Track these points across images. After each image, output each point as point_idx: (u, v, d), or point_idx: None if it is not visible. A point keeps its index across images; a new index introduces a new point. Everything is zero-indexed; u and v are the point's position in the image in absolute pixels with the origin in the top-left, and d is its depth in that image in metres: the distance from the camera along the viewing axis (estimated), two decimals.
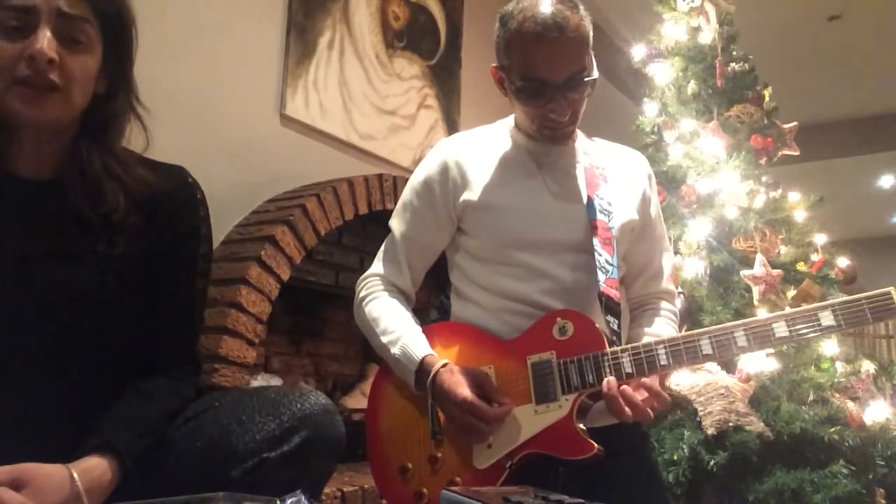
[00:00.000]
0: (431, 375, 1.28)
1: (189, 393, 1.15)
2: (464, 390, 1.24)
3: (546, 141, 1.39)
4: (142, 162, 1.13)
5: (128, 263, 1.09)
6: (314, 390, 1.14)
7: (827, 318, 1.15)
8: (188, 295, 1.18)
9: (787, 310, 1.21)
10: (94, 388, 1.06)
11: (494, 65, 1.37)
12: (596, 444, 1.21)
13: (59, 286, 1.04)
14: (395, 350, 1.33)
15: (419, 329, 1.38)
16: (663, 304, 1.49)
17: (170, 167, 1.18)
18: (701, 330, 1.23)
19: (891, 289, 1.11)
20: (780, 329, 1.17)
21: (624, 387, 1.21)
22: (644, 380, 1.23)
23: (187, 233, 1.16)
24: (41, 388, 1.04)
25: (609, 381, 1.22)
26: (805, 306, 1.20)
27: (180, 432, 1.08)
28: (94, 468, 0.96)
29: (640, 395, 1.21)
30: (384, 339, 1.36)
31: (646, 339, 1.27)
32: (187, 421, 1.10)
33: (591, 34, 1.30)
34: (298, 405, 1.07)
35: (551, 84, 1.27)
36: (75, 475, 0.93)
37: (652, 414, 1.21)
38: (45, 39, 0.98)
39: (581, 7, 1.30)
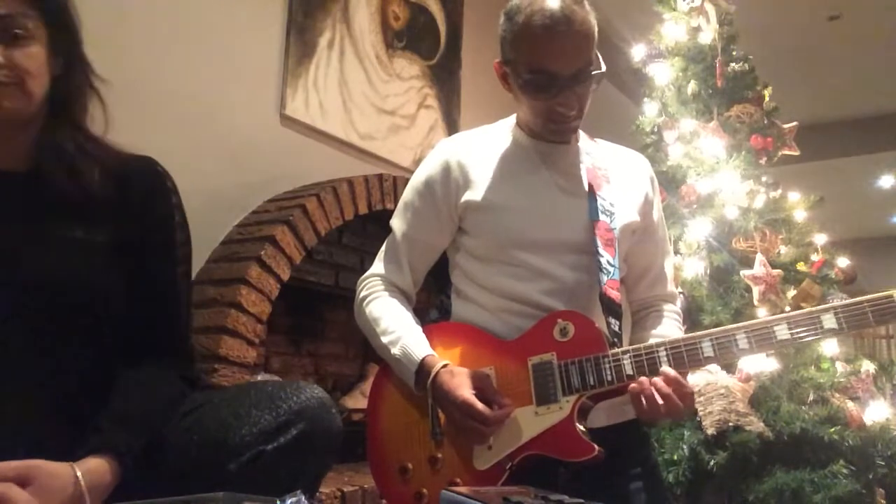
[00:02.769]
0: (432, 376, 1.28)
1: (181, 385, 1.15)
2: (464, 392, 1.23)
3: (551, 137, 1.39)
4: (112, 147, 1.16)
5: (108, 249, 1.10)
6: (311, 384, 1.14)
7: (829, 321, 1.14)
8: (170, 281, 1.18)
9: (788, 311, 1.21)
10: (86, 378, 1.07)
11: (498, 60, 1.37)
12: (596, 446, 1.21)
13: (42, 275, 1.05)
14: (395, 350, 1.33)
15: (420, 329, 1.38)
16: (667, 306, 1.49)
17: (138, 157, 1.19)
18: (702, 332, 1.23)
19: (893, 291, 1.11)
20: (782, 332, 1.17)
21: (655, 379, 1.20)
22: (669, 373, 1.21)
23: (162, 217, 1.18)
24: (32, 378, 1.04)
25: (642, 380, 1.20)
26: (807, 308, 1.19)
27: (178, 427, 1.09)
28: (96, 469, 0.97)
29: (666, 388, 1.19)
30: (384, 340, 1.36)
31: (650, 341, 1.27)
32: (185, 416, 1.10)
33: (597, 30, 1.30)
34: (295, 398, 1.08)
35: (559, 77, 1.27)
36: (79, 475, 0.94)
37: (682, 407, 1.19)
38: None
39: (586, 3, 1.30)
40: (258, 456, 1.03)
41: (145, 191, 1.16)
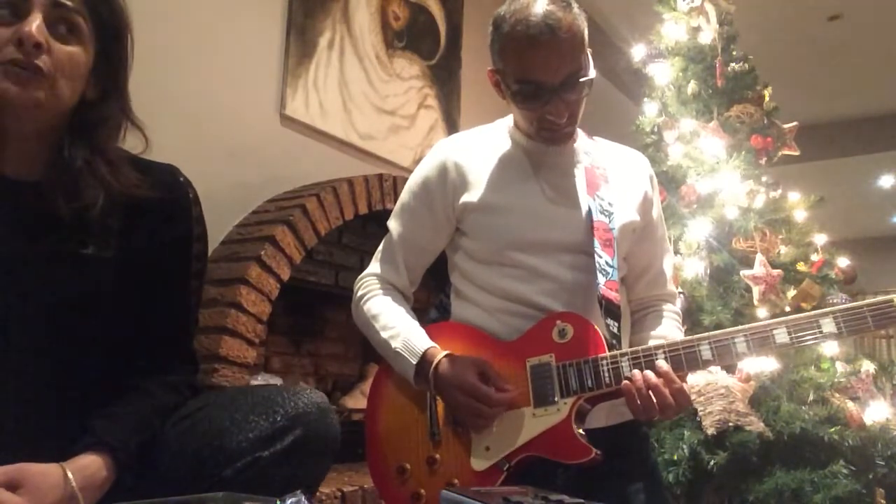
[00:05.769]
0: (434, 364, 1.28)
1: (185, 391, 1.14)
2: (468, 375, 1.25)
3: (545, 142, 1.39)
4: (133, 162, 1.12)
5: (113, 265, 1.08)
6: (309, 388, 1.13)
7: (828, 325, 1.14)
8: (182, 297, 1.17)
9: (788, 311, 1.21)
10: (90, 389, 1.06)
11: (490, 68, 1.36)
12: (594, 449, 1.20)
13: (45, 288, 1.03)
14: (396, 344, 1.33)
15: (418, 325, 1.38)
16: (666, 306, 1.49)
17: (161, 167, 1.17)
18: (701, 335, 1.22)
19: (893, 296, 1.10)
20: (781, 335, 1.17)
21: (646, 371, 1.20)
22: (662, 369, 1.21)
23: (179, 234, 1.16)
24: (36, 391, 1.03)
25: (634, 373, 1.20)
26: (806, 312, 1.19)
27: (174, 431, 1.08)
28: (88, 466, 0.96)
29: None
30: (385, 335, 1.36)
31: (650, 343, 1.27)
32: (181, 420, 1.09)
33: (586, 32, 1.28)
34: (292, 404, 1.06)
35: (547, 86, 1.26)
36: (69, 474, 0.93)
37: (674, 403, 1.18)
38: (34, 25, 0.98)
39: (574, 5, 1.28)
40: (254, 462, 1.02)
41: (165, 207, 1.13)
